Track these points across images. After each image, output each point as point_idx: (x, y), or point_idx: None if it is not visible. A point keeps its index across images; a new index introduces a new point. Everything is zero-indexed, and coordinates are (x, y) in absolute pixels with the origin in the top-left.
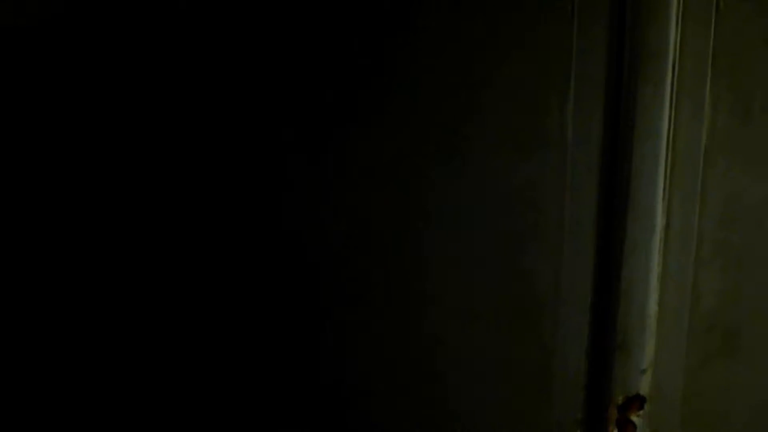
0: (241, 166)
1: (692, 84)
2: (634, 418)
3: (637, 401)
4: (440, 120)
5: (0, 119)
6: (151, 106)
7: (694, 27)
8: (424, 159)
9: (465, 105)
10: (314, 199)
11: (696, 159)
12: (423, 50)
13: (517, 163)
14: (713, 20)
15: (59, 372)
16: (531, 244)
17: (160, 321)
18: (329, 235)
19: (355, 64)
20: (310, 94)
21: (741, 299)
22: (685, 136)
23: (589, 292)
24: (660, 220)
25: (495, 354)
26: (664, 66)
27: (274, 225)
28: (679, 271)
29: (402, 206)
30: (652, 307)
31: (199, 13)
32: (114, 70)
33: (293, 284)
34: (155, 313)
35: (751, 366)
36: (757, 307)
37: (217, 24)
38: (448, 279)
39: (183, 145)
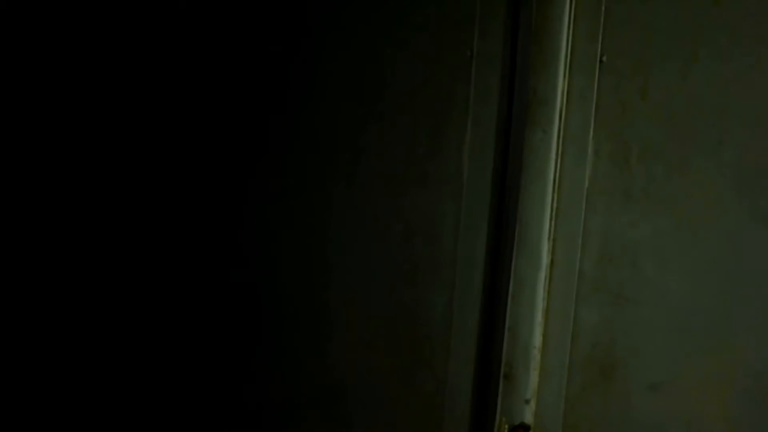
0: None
1: (577, 131)
2: None
3: (521, 430)
4: (343, 157)
5: None
6: None
7: (580, 78)
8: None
9: (368, 140)
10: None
11: (579, 201)
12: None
13: (416, 197)
14: (597, 73)
15: None
16: (425, 276)
17: None
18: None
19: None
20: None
21: (616, 333)
22: (570, 179)
23: (477, 325)
24: (545, 258)
25: (391, 381)
26: (551, 113)
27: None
28: (562, 307)
29: (309, 238)
30: (537, 340)
31: None
32: None
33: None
34: None
35: (625, 395)
36: (630, 340)
37: None
38: (348, 309)
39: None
